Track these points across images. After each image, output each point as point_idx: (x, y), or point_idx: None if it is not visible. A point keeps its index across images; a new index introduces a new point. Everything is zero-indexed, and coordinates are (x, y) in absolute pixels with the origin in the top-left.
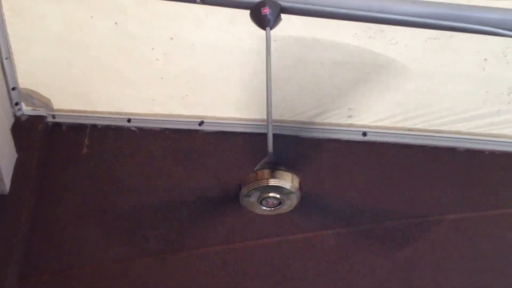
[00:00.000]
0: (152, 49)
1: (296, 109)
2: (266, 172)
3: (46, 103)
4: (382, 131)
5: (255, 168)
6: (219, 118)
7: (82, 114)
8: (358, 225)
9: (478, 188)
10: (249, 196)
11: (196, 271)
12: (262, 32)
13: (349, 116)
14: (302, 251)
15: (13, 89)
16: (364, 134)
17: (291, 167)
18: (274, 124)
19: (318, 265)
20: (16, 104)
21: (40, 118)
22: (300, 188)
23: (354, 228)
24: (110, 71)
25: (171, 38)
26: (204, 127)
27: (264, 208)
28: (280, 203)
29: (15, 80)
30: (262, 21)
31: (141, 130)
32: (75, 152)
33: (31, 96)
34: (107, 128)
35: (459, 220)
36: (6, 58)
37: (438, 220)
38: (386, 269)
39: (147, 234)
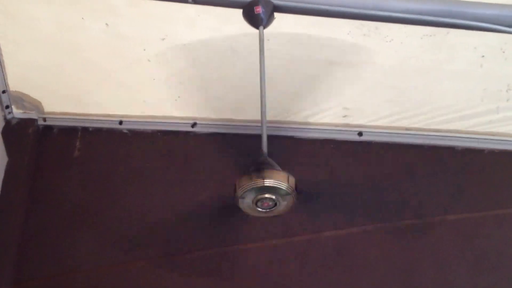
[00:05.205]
0: (144, 50)
1: (290, 109)
2: (261, 172)
3: (37, 106)
4: (379, 130)
5: (250, 169)
6: (212, 120)
7: (73, 117)
8: (355, 226)
9: (478, 188)
10: (244, 197)
11: (190, 275)
12: (255, 32)
13: (345, 116)
14: (298, 254)
15: (3, 92)
16: (360, 134)
17: (286, 168)
18: (268, 125)
19: (315, 268)
20: (7, 107)
21: (31, 121)
22: (296, 188)
23: (351, 230)
24: (101, 72)
25: (163, 39)
26: (197, 129)
27: (260, 209)
28: (275, 204)
29: (5, 83)
30: (255, 20)
31: (133, 133)
32: (66, 155)
33: (21, 99)
34: (99, 130)
35: (458, 221)
36: None
37: (438, 220)
38: (385, 272)
39: (141, 237)
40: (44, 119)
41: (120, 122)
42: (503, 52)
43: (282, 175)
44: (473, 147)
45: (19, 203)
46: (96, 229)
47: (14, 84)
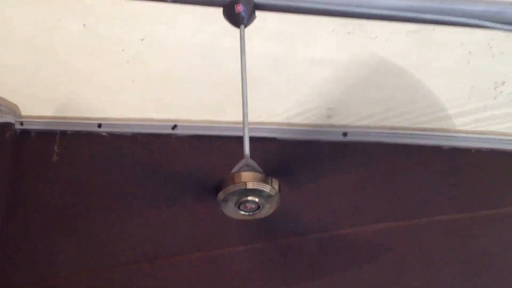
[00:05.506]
0: (123, 50)
1: (273, 110)
2: (244, 175)
3: (14, 110)
4: (364, 130)
5: (232, 172)
6: (193, 121)
7: (51, 120)
8: (341, 229)
9: (466, 188)
10: (227, 200)
11: (173, 280)
12: (236, 31)
13: (329, 116)
14: (283, 258)
15: None
16: (345, 134)
17: (269, 170)
18: (250, 126)
19: (300, 272)
20: None
21: (8, 125)
22: (280, 191)
23: (337, 233)
24: (79, 74)
25: (142, 39)
26: (177, 131)
27: (243, 212)
28: (259, 207)
29: None
30: (236, 19)
31: (112, 136)
32: (45, 160)
33: None
34: (77, 134)
35: (447, 222)
36: None
37: (425, 222)
38: (372, 276)
39: (122, 243)
40: (21, 123)
41: (99, 125)
42: (491, 48)
43: (266, 177)
44: (460, 146)
45: None
46: (77, 235)
47: None
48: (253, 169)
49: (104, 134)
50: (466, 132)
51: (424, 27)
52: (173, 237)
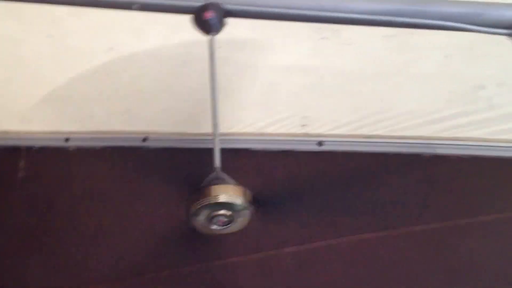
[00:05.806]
0: (89, 61)
1: (245, 120)
2: (214, 188)
3: None
4: (340, 139)
5: (202, 185)
6: (164, 134)
7: (16, 136)
8: (317, 241)
9: (446, 196)
10: (198, 215)
11: None
12: (206, 39)
13: (303, 125)
14: (258, 272)
15: None
16: (320, 143)
17: (242, 182)
18: (222, 137)
19: (276, 286)
20: None
21: None
22: (253, 203)
23: (313, 245)
24: (45, 87)
25: (109, 49)
26: (148, 144)
27: (215, 227)
28: (231, 220)
29: None
30: (205, 26)
31: (81, 150)
32: (10, 177)
33: None
34: (44, 149)
35: (426, 231)
36: None
37: (404, 232)
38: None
39: (91, 261)
40: None
41: (67, 139)
42: (470, 51)
43: (237, 189)
44: (440, 154)
45: None
46: (45, 255)
47: None
48: (224, 182)
49: (72, 148)
50: (446, 138)
51: (400, 31)
52: (143, 255)
